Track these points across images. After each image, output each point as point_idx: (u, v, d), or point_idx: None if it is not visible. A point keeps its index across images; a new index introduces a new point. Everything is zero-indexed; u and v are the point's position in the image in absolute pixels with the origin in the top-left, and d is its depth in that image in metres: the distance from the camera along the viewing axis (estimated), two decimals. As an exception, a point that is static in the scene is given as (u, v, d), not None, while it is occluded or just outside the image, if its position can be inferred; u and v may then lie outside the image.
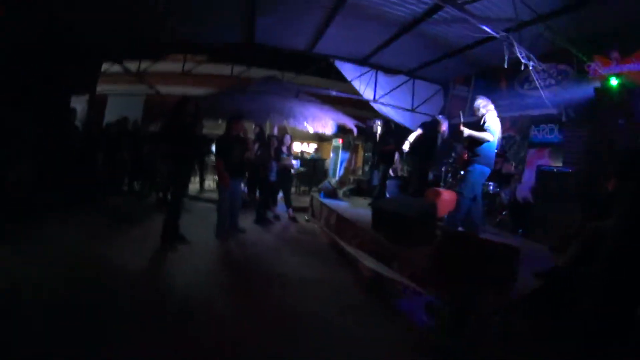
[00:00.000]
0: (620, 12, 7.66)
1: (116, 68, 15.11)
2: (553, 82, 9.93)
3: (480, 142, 7.28)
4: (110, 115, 15.26)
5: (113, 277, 5.54)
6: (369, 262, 6.62)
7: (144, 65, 15.85)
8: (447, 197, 8.56)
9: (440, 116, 10.26)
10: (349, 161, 19.60)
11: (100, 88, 14.15)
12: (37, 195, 8.63)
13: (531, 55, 8.46)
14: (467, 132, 7.39)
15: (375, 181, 11.59)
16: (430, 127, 9.97)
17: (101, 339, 3.79)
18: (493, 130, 7.27)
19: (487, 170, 7.42)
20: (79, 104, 11.92)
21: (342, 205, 10.47)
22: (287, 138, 11.11)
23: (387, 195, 10.76)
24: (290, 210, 11.16)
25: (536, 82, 9.28)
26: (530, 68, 8.60)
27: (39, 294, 4.59)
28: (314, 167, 17.50)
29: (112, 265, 6.00)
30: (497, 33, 8.08)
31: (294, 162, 11.75)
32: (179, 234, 7.46)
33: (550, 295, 4.82)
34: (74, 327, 3.94)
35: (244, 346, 4.06)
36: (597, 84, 8.47)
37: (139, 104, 18.89)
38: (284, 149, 10.82)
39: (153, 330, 4.16)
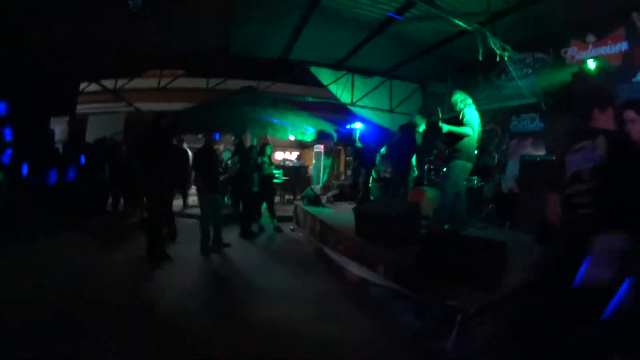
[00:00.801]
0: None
1: (94, 87, 14.99)
2: (530, 71, 9.88)
3: (460, 137, 7.22)
4: (92, 135, 15.20)
5: (93, 295, 5.50)
6: (354, 268, 6.52)
7: (121, 82, 15.78)
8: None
9: (417, 116, 10.13)
10: (332, 166, 19.49)
11: (80, 108, 14.01)
12: (18, 219, 8.49)
13: (506, 46, 8.37)
14: (446, 127, 7.33)
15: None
16: (407, 129, 9.87)
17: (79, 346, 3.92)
18: (472, 124, 7.21)
19: (469, 165, 7.37)
20: (59, 124, 11.79)
21: (325, 212, 10.35)
22: (268, 149, 11.00)
23: (372, 198, 10.67)
24: (275, 221, 11.03)
25: (513, 72, 9.21)
26: (506, 59, 8.51)
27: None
28: (297, 175, 17.40)
29: (92, 284, 5.95)
30: (470, 26, 7.99)
31: (275, 171, 11.63)
32: (161, 250, 7.46)
33: (541, 288, 4.74)
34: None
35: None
36: (575, 69, 8.41)
37: (119, 121, 18.85)
38: (265, 159, 10.69)
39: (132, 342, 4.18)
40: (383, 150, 10.04)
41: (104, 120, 18.38)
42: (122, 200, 12.79)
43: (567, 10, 8.01)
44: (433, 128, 8.28)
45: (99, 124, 17.60)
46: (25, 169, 9.14)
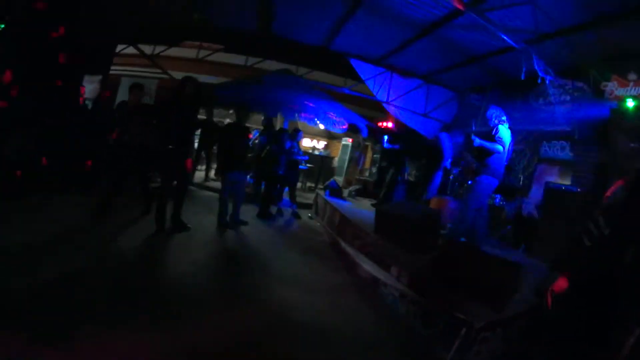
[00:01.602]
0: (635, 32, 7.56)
1: (131, 50, 15.06)
2: (568, 98, 9.77)
3: (489, 153, 7.21)
4: (122, 97, 15.24)
5: (104, 261, 5.53)
6: (367, 265, 6.59)
7: (159, 49, 15.84)
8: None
9: (441, 133, 10.12)
10: (357, 161, 19.51)
11: (114, 68, 14.09)
12: (35, 173, 8.51)
13: (549, 70, 8.36)
14: (477, 141, 7.32)
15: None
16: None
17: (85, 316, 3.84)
18: (504, 141, 7.21)
19: (495, 182, 7.36)
20: (91, 83, 11.87)
21: (346, 205, 10.43)
22: (300, 134, 11.07)
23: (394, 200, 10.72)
24: (294, 206, 11.12)
25: (552, 97, 9.16)
26: (547, 82, 8.49)
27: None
28: (322, 164, 17.46)
29: (105, 249, 5.97)
30: (517, 44, 7.98)
31: (302, 157, 11.69)
32: (179, 220, 7.44)
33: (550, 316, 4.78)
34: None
35: (227, 336, 4.08)
36: (613, 104, 8.36)
37: (152, 87, 18.92)
38: (295, 144, 10.76)
39: (135, 313, 4.17)
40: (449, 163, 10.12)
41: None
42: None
43: (614, 44, 7.97)
44: (465, 140, 8.29)
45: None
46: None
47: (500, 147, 7.15)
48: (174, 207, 7.37)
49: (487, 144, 7.22)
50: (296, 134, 11.07)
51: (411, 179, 12.08)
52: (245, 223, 8.83)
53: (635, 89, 8.23)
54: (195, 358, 3.62)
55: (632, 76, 8.28)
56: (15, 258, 4.83)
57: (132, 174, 8.22)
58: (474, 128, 7.63)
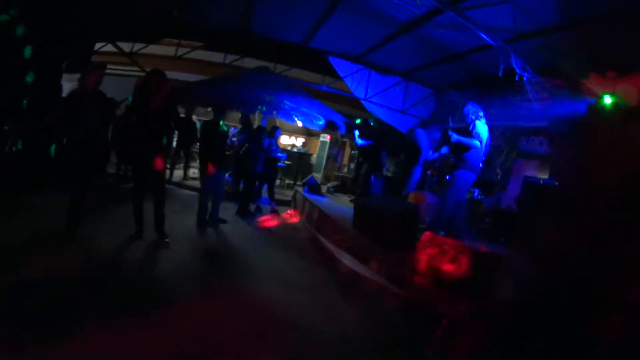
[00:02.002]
0: (620, 33, 7.63)
1: (109, 48, 14.90)
2: (546, 95, 9.84)
3: (467, 148, 7.26)
4: None
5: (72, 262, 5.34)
6: (347, 260, 6.58)
7: (137, 47, 15.70)
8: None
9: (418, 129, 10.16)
10: (336, 157, 19.53)
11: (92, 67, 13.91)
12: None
13: (527, 67, 8.42)
14: (455, 137, 7.38)
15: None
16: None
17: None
18: (481, 137, 7.25)
19: (473, 177, 7.42)
20: (69, 81, 11.72)
21: (324, 201, 10.45)
22: (278, 131, 11.03)
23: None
24: (273, 203, 11.09)
25: (529, 93, 9.23)
26: (525, 80, 8.56)
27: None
28: (300, 161, 17.44)
29: (81, 250, 5.79)
30: (495, 42, 8.02)
31: (280, 155, 11.64)
32: (161, 229, 6.86)
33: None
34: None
35: (208, 335, 4.04)
36: (591, 101, 8.45)
37: (130, 85, 18.68)
38: (273, 141, 10.72)
39: (114, 311, 4.12)
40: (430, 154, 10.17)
41: (116, 82, 18.32)
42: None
43: (593, 43, 8.05)
44: (442, 136, 8.33)
45: (110, 86, 17.51)
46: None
47: (477, 142, 7.20)
48: (155, 217, 6.72)
49: (464, 139, 7.27)
50: (274, 132, 11.02)
51: (389, 174, 12.08)
52: (224, 221, 8.78)
53: (614, 87, 8.34)
54: (175, 357, 3.57)
55: (611, 75, 8.38)
56: None
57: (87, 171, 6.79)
58: (451, 124, 7.64)
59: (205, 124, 8.56)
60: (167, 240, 6.65)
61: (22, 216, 6.74)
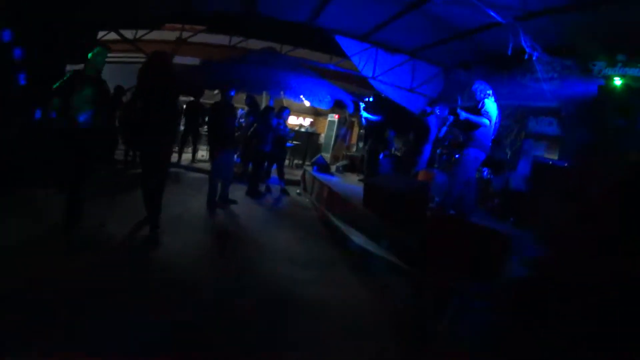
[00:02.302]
0: (632, 16, 7.55)
1: (112, 36, 14.82)
2: (556, 75, 9.79)
3: (476, 126, 7.22)
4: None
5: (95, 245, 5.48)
6: (357, 237, 6.59)
7: (141, 33, 15.63)
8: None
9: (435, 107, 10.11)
10: (344, 137, 19.46)
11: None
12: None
13: (536, 46, 8.34)
14: (463, 115, 7.32)
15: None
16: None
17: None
18: (490, 115, 7.21)
19: (482, 155, 7.39)
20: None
21: (334, 180, 10.43)
22: (286, 112, 10.97)
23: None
24: (282, 183, 11.09)
25: (539, 73, 9.16)
26: (534, 59, 8.49)
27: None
28: (308, 141, 17.40)
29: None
30: (504, 19, 7.94)
31: (289, 135, 11.60)
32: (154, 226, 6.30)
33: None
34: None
35: (222, 311, 4.14)
36: (601, 82, 8.39)
37: (135, 72, 18.61)
38: (282, 122, 10.69)
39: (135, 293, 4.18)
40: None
41: (121, 70, 18.26)
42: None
43: (604, 25, 7.96)
44: (451, 114, 8.28)
45: (115, 74, 17.42)
46: (38, 114, 8.88)
47: (486, 121, 7.15)
48: (151, 206, 6.24)
49: (473, 117, 7.23)
50: (282, 112, 10.97)
51: (398, 153, 12.05)
52: (234, 202, 8.80)
53: (623, 70, 8.29)
54: (193, 333, 3.63)
55: (621, 57, 8.32)
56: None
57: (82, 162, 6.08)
58: (460, 103, 7.60)
59: (213, 105, 8.52)
60: (157, 230, 6.12)
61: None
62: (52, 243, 5.24)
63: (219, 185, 8.49)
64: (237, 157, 12.12)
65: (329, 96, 13.76)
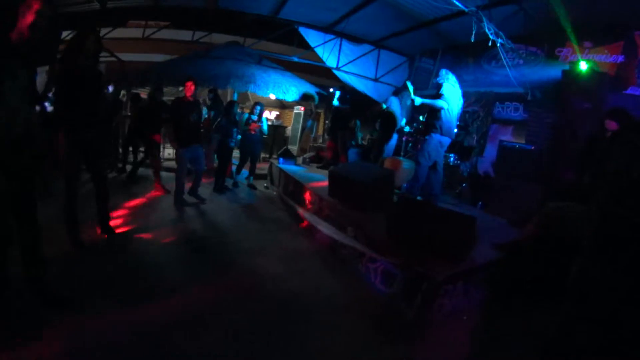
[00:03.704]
0: (598, 3, 7.61)
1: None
2: (521, 62, 9.95)
3: (436, 111, 7.23)
4: None
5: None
6: (325, 228, 6.50)
7: (104, 31, 15.36)
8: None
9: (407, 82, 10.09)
10: (310, 129, 19.37)
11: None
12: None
13: (500, 33, 8.38)
14: (418, 100, 7.44)
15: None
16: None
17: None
18: (448, 98, 7.25)
19: (446, 140, 7.41)
20: (38, 75, 11.36)
21: (299, 171, 10.30)
22: (258, 107, 10.74)
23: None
24: (251, 178, 10.92)
25: (504, 59, 9.19)
26: (498, 45, 8.52)
27: None
28: (275, 134, 17.25)
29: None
30: (467, 8, 7.93)
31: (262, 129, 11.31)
32: (106, 225, 5.83)
33: (511, 268, 4.83)
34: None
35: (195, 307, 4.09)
36: (566, 67, 8.46)
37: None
38: (254, 117, 10.47)
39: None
40: (403, 121, 10.13)
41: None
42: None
43: (569, 12, 8.01)
44: (410, 103, 8.28)
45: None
46: None
47: (442, 103, 7.21)
48: (99, 209, 5.66)
49: (429, 101, 7.33)
50: (255, 107, 10.74)
51: (364, 143, 11.99)
52: (203, 200, 8.59)
53: (589, 56, 8.41)
54: (168, 328, 3.62)
55: (588, 44, 8.48)
56: None
57: None
58: (411, 88, 7.61)
59: (175, 100, 8.24)
60: (113, 233, 5.76)
61: None
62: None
63: (184, 182, 8.26)
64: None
65: (294, 88, 13.70)
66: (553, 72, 8.71)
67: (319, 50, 13.40)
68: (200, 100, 14.18)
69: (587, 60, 8.11)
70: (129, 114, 13.11)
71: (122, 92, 14.49)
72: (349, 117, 11.52)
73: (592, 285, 3.04)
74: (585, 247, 3.17)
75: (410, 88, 7.78)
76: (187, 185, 8.44)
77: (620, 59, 8.14)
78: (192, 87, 7.97)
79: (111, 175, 10.12)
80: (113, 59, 16.57)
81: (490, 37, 8.22)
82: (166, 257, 5.45)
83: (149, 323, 3.65)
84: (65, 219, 5.18)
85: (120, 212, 7.03)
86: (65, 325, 3.41)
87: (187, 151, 8.01)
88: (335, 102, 11.53)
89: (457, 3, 7.81)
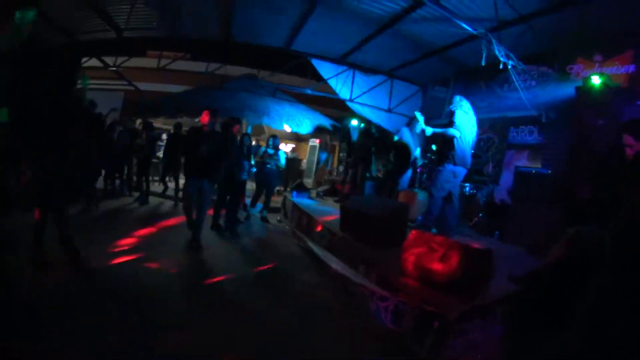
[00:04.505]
0: (603, 15, 7.51)
1: (93, 62, 14.79)
2: (534, 83, 9.81)
3: (450, 140, 7.10)
4: None
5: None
6: (336, 264, 6.38)
7: (121, 60, 15.63)
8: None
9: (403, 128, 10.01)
10: (326, 162, 19.36)
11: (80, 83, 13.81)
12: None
13: (510, 54, 8.27)
14: (429, 130, 7.41)
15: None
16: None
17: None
18: (461, 126, 7.14)
19: (460, 170, 7.28)
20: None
21: (313, 205, 10.20)
22: (276, 140, 10.73)
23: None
24: (265, 212, 10.84)
25: (516, 82, 9.09)
26: (510, 67, 8.42)
27: None
28: (289, 167, 17.25)
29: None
30: (476, 30, 7.86)
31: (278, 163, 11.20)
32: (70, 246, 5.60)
33: (531, 300, 4.65)
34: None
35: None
36: (579, 83, 8.33)
37: (118, 99, 18.70)
38: (270, 151, 10.45)
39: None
40: (417, 151, 10.04)
41: (103, 97, 18.26)
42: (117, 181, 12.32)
43: (576, 27, 7.93)
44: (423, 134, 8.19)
45: (98, 100, 17.43)
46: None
47: (454, 131, 7.11)
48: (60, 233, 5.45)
49: (440, 130, 7.23)
50: (273, 140, 10.71)
51: (379, 175, 11.87)
52: (198, 246, 7.59)
53: (601, 69, 8.25)
54: None
55: (598, 57, 8.35)
56: None
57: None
58: (439, 121, 7.55)
59: (190, 129, 8.08)
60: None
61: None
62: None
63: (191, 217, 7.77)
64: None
65: (307, 120, 13.71)
66: (566, 90, 8.58)
67: (332, 82, 13.41)
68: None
69: (600, 74, 7.96)
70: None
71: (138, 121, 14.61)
72: (367, 150, 11.39)
73: (612, 305, 2.87)
74: (606, 266, 3.01)
75: (420, 118, 7.68)
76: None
77: (632, 68, 7.95)
78: (207, 117, 7.57)
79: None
80: (131, 87, 16.87)
81: (501, 59, 8.12)
82: (166, 288, 5.43)
83: None
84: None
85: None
86: None
87: (192, 184, 7.56)
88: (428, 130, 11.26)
89: (465, 27, 7.75)
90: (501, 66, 8.29)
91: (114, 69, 15.60)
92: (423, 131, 7.64)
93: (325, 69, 13.32)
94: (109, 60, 15.49)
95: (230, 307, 5.19)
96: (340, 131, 14.66)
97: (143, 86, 17.80)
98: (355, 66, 13.23)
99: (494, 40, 7.87)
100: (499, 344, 4.39)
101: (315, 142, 19.94)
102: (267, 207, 10.95)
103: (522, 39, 8.54)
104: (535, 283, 4.82)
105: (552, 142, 9.23)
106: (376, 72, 13.48)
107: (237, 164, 9.60)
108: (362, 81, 13.69)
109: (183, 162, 8.42)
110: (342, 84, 13.52)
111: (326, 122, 14.37)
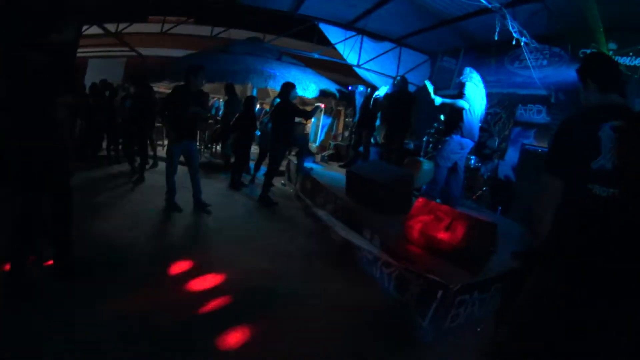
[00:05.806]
0: (621, 3, 7.38)
1: (95, 30, 14.55)
2: (545, 62, 9.69)
3: (459, 112, 7.01)
4: (91, 79, 14.35)
5: None
6: (340, 229, 6.37)
7: (123, 26, 15.43)
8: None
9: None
10: (331, 126, 19.26)
11: (80, 51, 13.58)
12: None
13: (524, 31, 8.17)
14: (438, 100, 7.31)
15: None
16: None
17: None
18: (470, 98, 7.03)
19: (467, 142, 7.20)
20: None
21: (317, 169, 10.16)
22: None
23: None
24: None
25: (528, 60, 9.00)
26: (522, 44, 8.31)
27: None
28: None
29: None
30: (491, 4, 7.73)
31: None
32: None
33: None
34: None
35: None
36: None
37: (120, 66, 18.49)
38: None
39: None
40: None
41: (105, 64, 18.09)
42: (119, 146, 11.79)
43: (593, 13, 7.82)
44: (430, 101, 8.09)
45: (99, 68, 17.28)
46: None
47: (464, 103, 6.98)
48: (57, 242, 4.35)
49: (449, 101, 7.16)
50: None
51: (383, 141, 11.76)
52: (208, 210, 7.57)
53: (615, 59, 8.18)
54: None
55: (612, 46, 8.21)
56: None
57: None
58: (431, 87, 7.42)
59: (173, 89, 7.49)
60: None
61: None
62: None
63: (174, 182, 7.42)
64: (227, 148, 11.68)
65: (314, 85, 13.60)
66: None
67: (340, 47, 13.31)
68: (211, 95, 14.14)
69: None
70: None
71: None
72: (374, 116, 11.22)
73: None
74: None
75: (430, 87, 7.59)
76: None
77: (646, 61, 7.88)
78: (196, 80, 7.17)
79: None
80: (133, 53, 16.66)
81: (515, 35, 8.02)
82: (170, 248, 5.38)
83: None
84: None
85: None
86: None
87: (179, 147, 7.23)
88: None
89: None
90: (514, 42, 8.20)
91: (115, 35, 15.31)
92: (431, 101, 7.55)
93: (333, 33, 13.22)
94: (111, 27, 15.24)
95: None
96: (347, 96, 14.49)
97: (146, 52, 17.63)
98: (364, 32, 13.07)
99: (508, 16, 7.77)
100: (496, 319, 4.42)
101: (321, 106, 19.83)
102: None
103: (536, 17, 8.38)
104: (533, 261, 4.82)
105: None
106: (385, 39, 13.32)
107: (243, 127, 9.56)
108: (371, 47, 13.58)
109: (165, 123, 7.98)
110: (349, 50, 13.43)
111: (332, 87, 14.25)
